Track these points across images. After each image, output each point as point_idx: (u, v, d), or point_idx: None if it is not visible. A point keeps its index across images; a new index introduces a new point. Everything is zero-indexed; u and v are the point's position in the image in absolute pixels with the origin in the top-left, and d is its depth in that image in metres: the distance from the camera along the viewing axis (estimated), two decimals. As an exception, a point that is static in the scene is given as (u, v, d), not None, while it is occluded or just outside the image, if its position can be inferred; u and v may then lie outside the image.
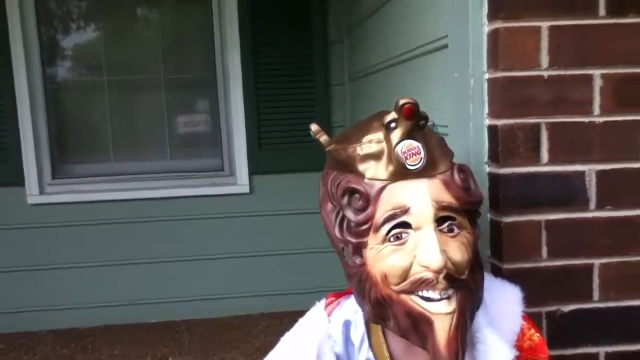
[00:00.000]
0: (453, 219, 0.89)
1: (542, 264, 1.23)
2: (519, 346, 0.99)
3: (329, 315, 1.04)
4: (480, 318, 0.96)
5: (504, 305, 1.02)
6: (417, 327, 0.88)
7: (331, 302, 1.07)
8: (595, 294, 1.24)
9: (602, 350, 1.26)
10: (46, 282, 3.32)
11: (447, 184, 0.91)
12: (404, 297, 0.87)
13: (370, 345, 1.01)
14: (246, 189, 3.42)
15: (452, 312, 0.86)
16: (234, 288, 3.39)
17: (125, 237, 3.36)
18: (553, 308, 1.24)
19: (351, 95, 3.21)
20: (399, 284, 0.87)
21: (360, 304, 0.96)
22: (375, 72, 2.51)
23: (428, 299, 0.87)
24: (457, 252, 0.87)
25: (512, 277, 1.20)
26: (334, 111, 3.38)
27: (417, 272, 0.86)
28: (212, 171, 3.48)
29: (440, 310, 0.86)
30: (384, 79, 2.33)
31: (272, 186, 3.41)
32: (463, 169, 0.94)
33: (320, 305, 1.07)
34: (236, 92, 3.37)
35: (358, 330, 1.02)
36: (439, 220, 0.88)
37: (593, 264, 1.24)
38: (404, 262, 0.87)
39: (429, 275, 0.85)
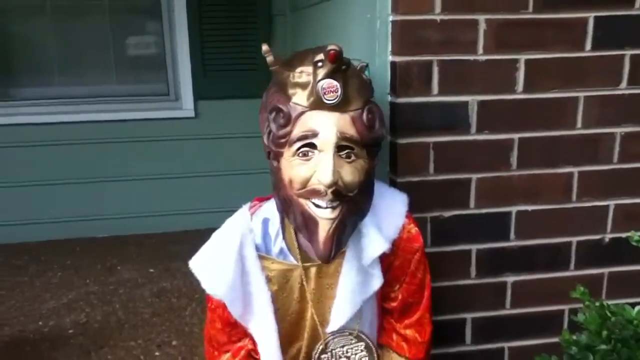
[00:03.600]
0: (352, 148, 1.08)
1: (429, 178, 1.48)
2: (399, 237, 1.24)
3: (252, 214, 1.24)
4: (368, 218, 1.19)
5: (391, 205, 1.26)
6: (307, 225, 1.10)
7: (254, 205, 1.27)
8: (472, 203, 1.52)
9: (474, 247, 1.55)
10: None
11: (355, 121, 1.09)
12: (302, 200, 1.09)
13: (284, 238, 1.22)
14: (191, 114, 3.57)
15: (334, 219, 1.08)
16: (181, 205, 3.60)
17: (72, 158, 3.48)
18: (436, 214, 1.51)
19: (292, 25, 3.34)
20: (299, 189, 1.09)
21: (274, 197, 1.19)
22: (312, 5, 2.65)
23: (318, 206, 1.08)
24: (349, 174, 1.08)
25: (404, 188, 1.47)
26: (276, 38, 3.49)
27: (313, 184, 1.07)
28: (157, 95, 3.60)
29: (324, 216, 1.08)
30: (319, 13, 2.48)
31: (216, 111, 3.56)
32: (372, 110, 1.12)
33: (245, 207, 1.27)
34: (180, 18, 3.45)
35: (274, 226, 1.23)
36: (340, 148, 1.07)
37: (471, 178, 1.51)
38: (305, 174, 1.07)
39: (321, 188, 1.06)
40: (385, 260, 1.24)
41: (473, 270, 1.57)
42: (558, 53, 1.46)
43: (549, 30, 1.44)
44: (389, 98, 1.48)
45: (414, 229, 1.27)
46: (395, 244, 1.23)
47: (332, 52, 1.03)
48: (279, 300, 1.23)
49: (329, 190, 1.05)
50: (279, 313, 1.23)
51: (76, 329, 2.52)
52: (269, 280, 1.22)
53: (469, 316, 1.60)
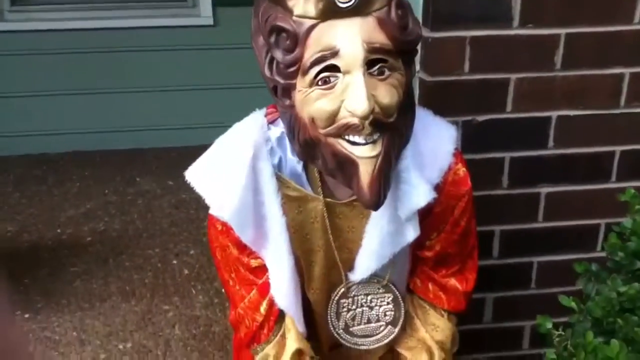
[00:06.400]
0: (385, 61, 0.85)
1: (463, 77, 1.35)
2: (443, 179, 1.04)
3: (268, 123, 1.03)
4: (409, 158, 0.98)
5: (436, 142, 1.04)
6: (343, 168, 0.89)
7: (271, 113, 1.04)
8: (509, 106, 1.39)
9: (507, 155, 1.43)
10: (11, 109, 3.38)
11: (382, 23, 0.84)
12: (331, 140, 0.87)
13: (305, 166, 1.03)
14: (210, 21, 3.39)
15: (377, 156, 0.87)
16: (200, 118, 3.48)
17: (87, 66, 3.36)
18: (469, 117, 1.38)
19: None
20: (326, 127, 0.86)
21: (291, 142, 0.96)
22: None
23: (354, 143, 0.87)
24: (387, 95, 0.85)
25: (435, 89, 1.35)
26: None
27: (344, 117, 0.84)
28: (174, 1, 3.42)
29: (364, 154, 0.86)
30: None
31: (237, 19, 3.35)
32: (402, 4, 0.87)
33: (259, 112, 1.05)
34: None
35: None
36: (370, 63, 0.84)
37: (510, 79, 1.37)
38: (331, 106, 0.85)
39: (355, 120, 0.84)
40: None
41: (505, 179, 1.46)
42: None
43: None
44: (421, -13, 1.33)
45: (462, 170, 1.06)
46: (438, 189, 1.02)
47: None
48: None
49: (366, 122, 0.83)
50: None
51: (94, 237, 2.52)
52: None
53: (497, 228, 1.51)
